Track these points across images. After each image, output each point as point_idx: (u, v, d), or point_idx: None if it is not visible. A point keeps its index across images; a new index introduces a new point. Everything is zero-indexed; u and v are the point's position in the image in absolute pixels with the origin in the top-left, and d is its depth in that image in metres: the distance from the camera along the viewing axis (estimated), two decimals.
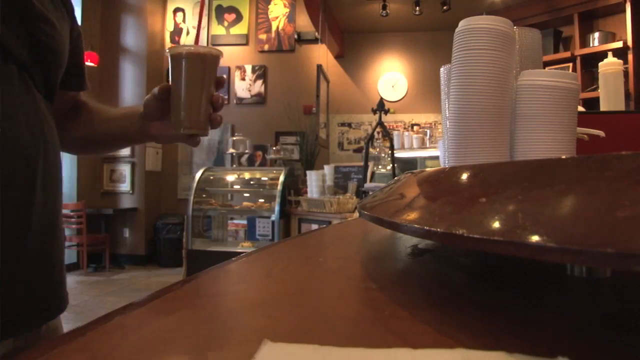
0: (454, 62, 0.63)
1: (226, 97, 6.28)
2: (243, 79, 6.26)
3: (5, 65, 0.58)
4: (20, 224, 0.59)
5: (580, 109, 1.31)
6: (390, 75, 6.17)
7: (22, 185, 0.59)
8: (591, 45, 4.44)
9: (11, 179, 0.57)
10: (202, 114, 0.71)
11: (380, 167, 4.39)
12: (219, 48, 0.74)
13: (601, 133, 0.76)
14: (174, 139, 0.78)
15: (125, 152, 5.92)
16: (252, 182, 5.17)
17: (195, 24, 6.35)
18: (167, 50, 0.72)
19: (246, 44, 6.28)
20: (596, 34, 4.44)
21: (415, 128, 5.95)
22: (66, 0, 0.72)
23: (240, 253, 0.69)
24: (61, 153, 0.73)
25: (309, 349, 0.25)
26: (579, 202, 0.23)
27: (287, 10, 6.20)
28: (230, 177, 5.15)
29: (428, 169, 0.48)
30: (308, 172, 4.39)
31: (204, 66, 0.71)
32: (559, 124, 0.60)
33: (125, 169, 5.97)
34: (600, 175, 0.24)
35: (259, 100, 6.24)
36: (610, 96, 1.52)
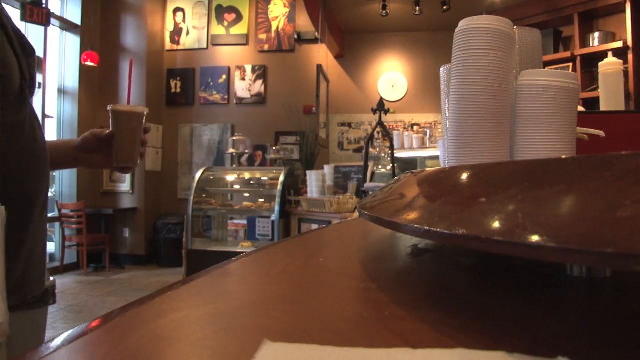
0: (454, 62, 0.63)
1: (226, 96, 6.29)
2: (243, 79, 6.26)
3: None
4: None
5: (580, 109, 1.31)
6: (390, 75, 6.17)
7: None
8: (591, 45, 4.44)
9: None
10: (135, 152, 0.99)
11: (380, 167, 4.40)
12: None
13: (601, 133, 0.76)
14: (106, 167, 1.02)
15: None
16: (252, 182, 5.17)
17: (196, 24, 6.35)
18: (109, 108, 0.98)
19: (246, 44, 6.28)
20: (596, 34, 4.44)
21: (415, 128, 5.95)
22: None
23: (240, 253, 0.69)
24: None
25: (309, 349, 0.25)
26: (579, 202, 0.23)
27: (287, 10, 6.20)
28: (230, 177, 5.15)
29: (428, 169, 0.48)
30: (308, 172, 4.39)
31: (136, 119, 0.99)
32: (559, 124, 0.60)
33: None
34: (600, 175, 0.24)
35: (259, 100, 6.24)
36: (610, 96, 1.52)
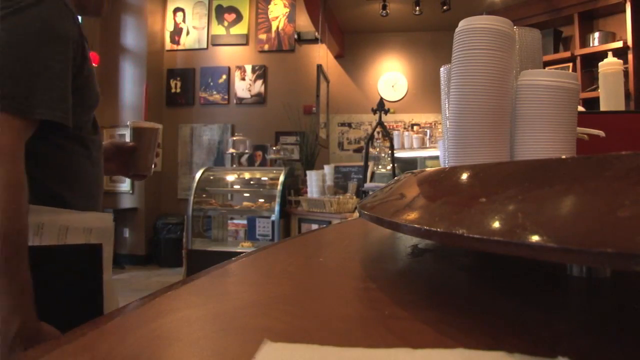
0: (454, 62, 0.63)
1: (226, 96, 6.29)
2: (243, 79, 6.26)
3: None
4: None
5: (580, 109, 1.31)
6: (390, 75, 6.17)
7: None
8: (591, 45, 4.44)
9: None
10: (150, 162, 1.15)
11: (380, 167, 4.39)
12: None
13: (601, 133, 0.76)
14: (119, 174, 1.16)
15: None
16: (252, 182, 5.17)
17: (196, 24, 6.35)
18: (129, 124, 1.13)
19: (246, 44, 6.28)
20: (596, 34, 4.44)
21: (415, 128, 5.95)
22: None
23: (240, 253, 0.70)
24: None
25: (309, 349, 0.25)
26: (579, 202, 0.23)
27: (287, 10, 6.20)
28: (230, 177, 5.14)
29: (428, 169, 0.48)
30: (308, 172, 4.39)
31: (154, 134, 1.14)
32: (559, 124, 0.60)
33: None
34: (600, 175, 0.24)
35: (259, 100, 6.24)
36: (610, 96, 1.51)
